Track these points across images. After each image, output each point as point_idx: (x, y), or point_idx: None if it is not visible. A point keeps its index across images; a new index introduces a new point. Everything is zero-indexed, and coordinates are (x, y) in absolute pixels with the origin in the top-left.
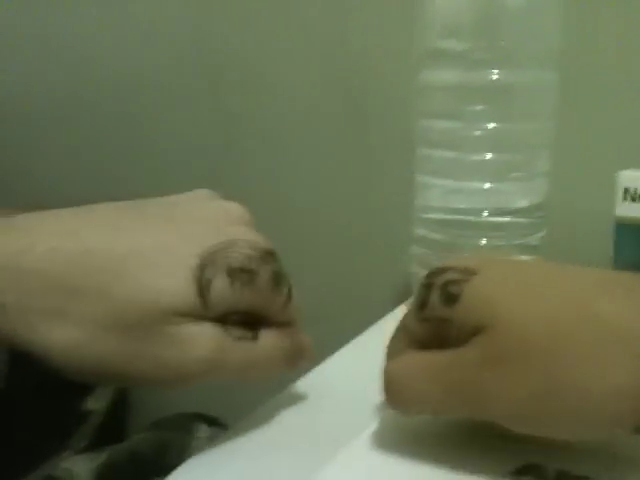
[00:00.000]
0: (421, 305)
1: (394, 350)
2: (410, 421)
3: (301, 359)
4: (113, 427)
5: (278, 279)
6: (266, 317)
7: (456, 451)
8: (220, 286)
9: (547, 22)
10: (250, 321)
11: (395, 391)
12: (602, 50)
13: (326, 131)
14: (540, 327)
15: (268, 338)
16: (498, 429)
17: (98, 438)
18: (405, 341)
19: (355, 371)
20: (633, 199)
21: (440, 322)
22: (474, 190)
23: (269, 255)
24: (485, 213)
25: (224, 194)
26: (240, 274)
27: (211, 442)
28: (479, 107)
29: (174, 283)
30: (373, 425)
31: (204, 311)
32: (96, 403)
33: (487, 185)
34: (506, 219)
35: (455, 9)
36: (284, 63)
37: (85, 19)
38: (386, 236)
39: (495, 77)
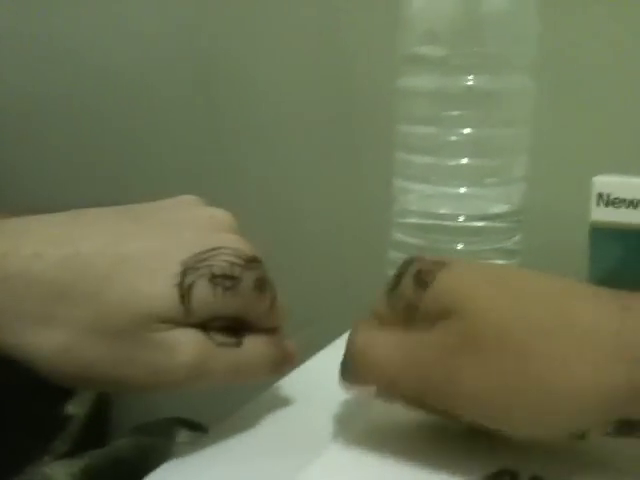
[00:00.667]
0: (391, 289)
1: (359, 327)
2: (382, 427)
3: (286, 365)
4: (94, 432)
5: (262, 285)
6: (251, 323)
7: (432, 456)
8: (202, 292)
9: (525, 28)
10: (235, 327)
11: (358, 360)
12: (579, 56)
13: (311, 135)
14: (509, 319)
15: (253, 344)
16: (472, 433)
17: (79, 443)
18: (371, 322)
19: (334, 373)
20: (607, 204)
21: (407, 306)
22: (451, 195)
23: (253, 262)
24: (462, 218)
25: (209, 199)
26: (222, 280)
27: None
28: (456, 112)
29: (157, 289)
30: (353, 428)
31: (186, 317)
32: (77, 408)
33: (464, 190)
34: (483, 224)
35: (433, 15)
36: (273, 64)
37: (74, 18)
38: (370, 239)
39: (472, 83)
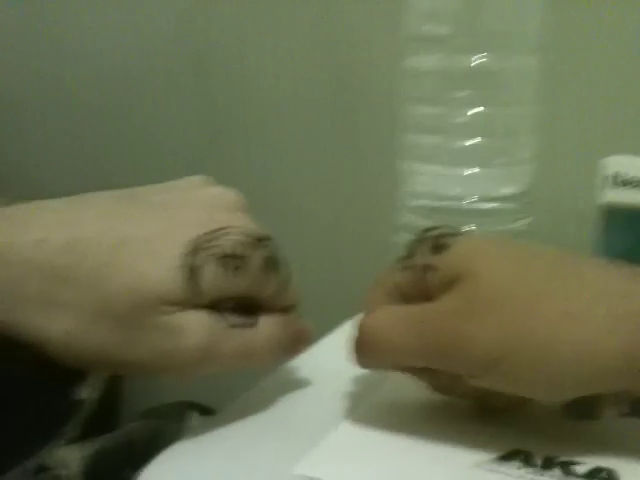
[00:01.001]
0: (408, 255)
1: (371, 302)
2: (395, 406)
3: (300, 345)
4: (105, 416)
5: (271, 264)
6: (263, 303)
7: (444, 436)
8: (210, 272)
9: (531, 6)
10: (248, 308)
11: (369, 342)
12: (587, 35)
13: (313, 120)
14: (524, 279)
15: (266, 325)
16: (485, 413)
17: (90, 427)
18: (382, 292)
19: (340, 358)
20: (617, 185)
21: (424, 269)
22: (459, 176)
23: (262, 241)
24: (471, 199)
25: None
26: (231, 260)
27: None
28: (463, 92)
29: (163, 271)
30: (361, 409)
31: (195, 298)
32: (88, 392)
33: (472, 171)
34: (492, 205)
35: None
36: (271, 52)
37: (70, 9)
38: (374, 223)
39: (479, 62)
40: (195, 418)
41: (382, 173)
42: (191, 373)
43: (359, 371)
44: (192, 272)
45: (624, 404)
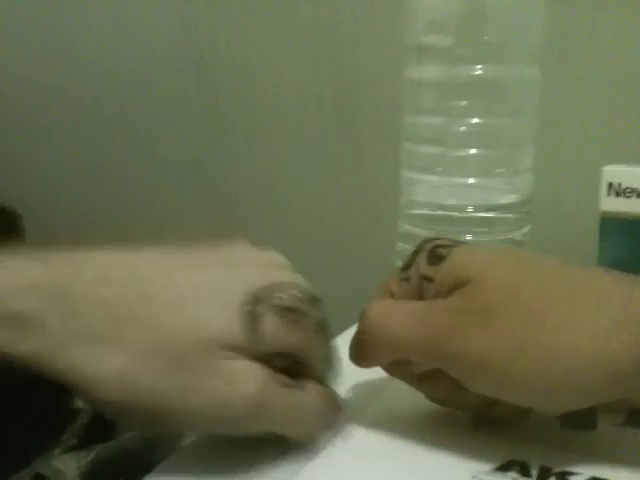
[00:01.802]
0: (406, 266)
1: (371, 300)
2: (392, 418)
3: (337, 418)
4: (103, 425)
5: (323, 328)
6: (307, 367)
7: (440, 447)
8: (271, 322)
9: (531, 17)
10: (292, 371)
11: (372, 331)
12: (586, 45)
13: (315, 127)
14: (519, 285)
15: (312, 391)
16: (483, 424)
17: (87, 436)
18: (383, 295)
19: (343, 365)
20: (616, 194)
21: (421, 280)
22: (459, 186)
23: (317, 301)
24: (470, 209)
25: (215, 194)
26: (290, 313)
27: (198, 440)
28: (463, 102)
29: (225, 316)
30: (362, 419)
31: (254, 346)
32: None
33: (472, 181)
34: (491, 215)
35: (439, 5)
36: (274, 59)
37: (74, 13)
38: (376, 232)
39: (479, 72)
40: None
41: (383, 181)
42: (242, 428)
43: (358, 381)
44: (253, 319)
45: (621, 414)
